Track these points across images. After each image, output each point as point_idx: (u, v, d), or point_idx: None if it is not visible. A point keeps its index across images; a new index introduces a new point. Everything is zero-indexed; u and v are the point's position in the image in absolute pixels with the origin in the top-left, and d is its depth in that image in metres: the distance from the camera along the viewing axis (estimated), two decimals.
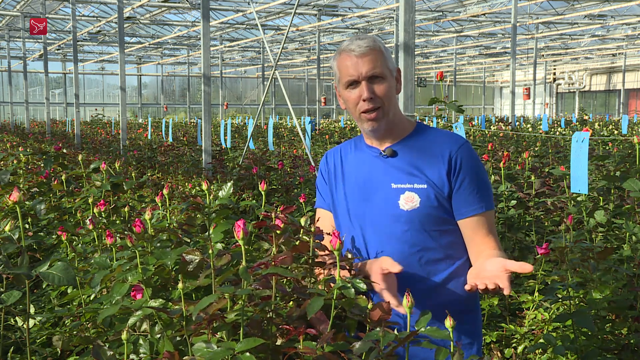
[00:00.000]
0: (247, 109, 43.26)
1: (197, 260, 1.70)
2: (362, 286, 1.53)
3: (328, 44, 30.00)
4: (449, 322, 1.38)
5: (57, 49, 31.08)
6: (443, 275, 1.78)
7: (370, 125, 1.80)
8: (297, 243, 1.72)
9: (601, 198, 4.02)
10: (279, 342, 1.45)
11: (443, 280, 1.78)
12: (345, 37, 27.93)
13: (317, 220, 1.98)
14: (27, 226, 3.23)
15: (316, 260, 1.69)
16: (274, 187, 5.62)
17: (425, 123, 1.93)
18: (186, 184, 6.59)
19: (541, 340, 2.49)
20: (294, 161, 7.92)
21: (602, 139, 9.07)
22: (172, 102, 43.05)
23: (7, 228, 2.12)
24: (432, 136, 1.84)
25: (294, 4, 7.68)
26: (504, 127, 15.52)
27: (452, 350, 1.33)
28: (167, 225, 2.44)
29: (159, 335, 1.66)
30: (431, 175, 1.77)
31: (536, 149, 8.68)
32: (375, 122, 1.79)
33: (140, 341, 1.68)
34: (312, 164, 6.54)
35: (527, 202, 4.43)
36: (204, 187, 2.36)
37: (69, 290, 2.52)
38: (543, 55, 35.31)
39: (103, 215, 2.85)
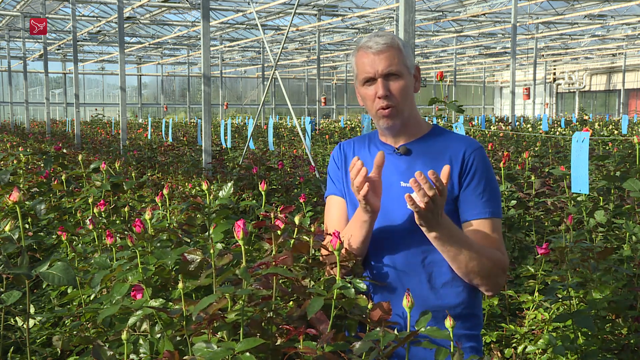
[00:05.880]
0: (247, 109, 43.25)
1: (198, 260, 1.70)
2: (362, 286, 1.53)
3: (328, 44, 29.97)
4: (449, 322, 1.38)
5: (57, 49, 31.07)
6: (446, 278, 1.76)
7: (385, 123, 1.79)
8: (292, 242, 1.71)
9: (601, 198, 4.02)
10: (279, 342, 1.45)
11: (445, 283, 1.77)
12: (345, 37, 27.93)
13: (328, 209, 1.94)
14: (27, 226, 3.23)
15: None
16: (274, 187, 5.62)
17: (441, 127, 1.91)
18: (186, 184, 6.59)
19: (541, 340, 2.49)
20: (294, 161, 7.91)
21: (602, 139, 9.06)
22: (172, 102, 43.03)
23: (7, 228, 2.12)
24: (447, 139, 1.83)
25: (294, 4, 7.68)
26: (504, 127, 15.51)
27: (452, 351, 1.33)
28: (167, 225, 2.44)
29: (159, 335, 1.66)
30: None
31: (536, 149, 8.68)
32: (390, 120, 1.78)
33: (140, 341, 1.68)
34: (312, 164, 6.54)
35: (527, 202, 4.43)
36: (204, 187, 2.36)
37: (69, 290, 2.52)
38: (543, 55, 35.30)
39: (103, 215, 2.85)
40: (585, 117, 24.57)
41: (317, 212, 4.24)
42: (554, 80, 42.32)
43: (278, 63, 8.48)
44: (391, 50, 1.76)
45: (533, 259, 3.93)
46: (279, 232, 1.71)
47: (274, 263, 1.52)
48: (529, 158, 5.52)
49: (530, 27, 26.36)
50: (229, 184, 2.52)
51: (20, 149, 6.28)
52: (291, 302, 1.62)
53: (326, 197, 1.98)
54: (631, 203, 3.49)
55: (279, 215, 1.82)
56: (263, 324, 1.47)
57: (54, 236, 3.18)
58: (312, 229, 1.71)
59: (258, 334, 1.43)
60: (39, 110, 36.06)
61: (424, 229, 1.64)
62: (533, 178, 4.69)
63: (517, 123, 20.76)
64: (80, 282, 2.30)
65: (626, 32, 26.35)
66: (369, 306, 1.51)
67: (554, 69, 42.70)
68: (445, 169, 1.58)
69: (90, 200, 3.13)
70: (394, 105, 1.77)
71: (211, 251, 1.56)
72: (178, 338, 1.62)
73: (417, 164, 1.79)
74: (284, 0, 17.60)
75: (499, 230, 1.79)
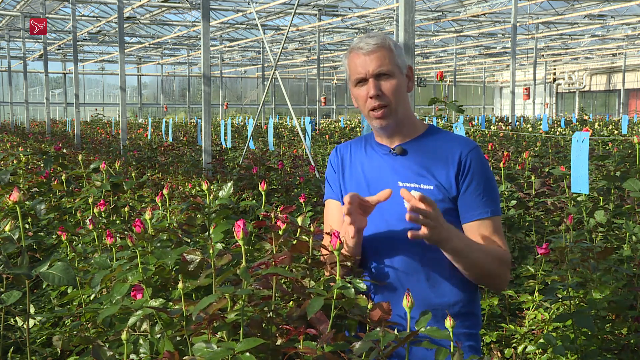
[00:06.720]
0: (247, 109, 43.24)
1: (197, 260, 1.70)
2: (362, 286, 1.53)
3: (328, 44, 29.97)
4: (449, 322, 1.38)
5: (57, 49, 31.07)
6: (444, 275, 1.77)
7: (378, 123, 1.80)
8: (294, 242, 1.71)
9: (601, 198, 4.02)
10: (279, 342, 1.45)
11: (444, 280, 1.77)
12: (345, 37, 27.93)
13: (326, 213, 1.95)
14: (27, 226, 3.23)
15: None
16: (274, 187, 5.62)
17: (437, 126, 1.93)
18: (186, 184, 6.59)
19: (541, 340, 2.49)
20: (294, 161, 7.91)
21: (602, 139, 9.07)
22: (172, 102, 43.03)
23: (7, 228, 2.12)
24: (443, 138, 1.84)
25: (294, 4, 7.68)
26: (504, 127, 15.51)
27: (452, 351, 1.33)
28: (167, 225, 2.44)
29: (159, 335, 1.66)
30: (439, 177, 1.77)
31: (536, 149, 8.68)
32: (382, 120, 1.79)
33: (140, 341, 1.68)
34: (312, 164, 6.54)
35: (527, 202, 4.43)
36: (204, 187, 2.36)
37: (69, 290, 2.52)
38: (543, 55, 35.29)
39: (103, 215, 2.85)
40: (585, 117, 24.57)
41: (317, 212, 4.24)
42: (554, 80, 42.31)
43: (278, 63, 8.49)
44: (382, 50, 1.77)
45: (533, 259, 3.93)
46: (280, 232, 1.71)
47: (273, 263, 1.52)
48: (529, 158, 5.52)
49: (530, 27, 26.36)
50: (229, 184, 2.52)
51: (20, 149, 6.28)
52: (291, 302, 1.62)
53: (324, 201, 1.99)
54: (631, 203, 3.49)
55: (280, 215, 1.82)
56: (263, 324, 1.47)
57: (54, 236, 3.18)
58: (312, 229, 1.71)
59: (258, 334, 1.43)
60: (39, 110, 36.05)
61: (440, 247, 1.67)
62: (533, 178, 4.69)
63: (517, 123, 20.76)
64: (80, 282, 2.30)
65: (626, 32, 26.35)
66: (369, 306, 1.51)
67: (554, 69, 42.69)
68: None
69: (90, 200, 3.13)
70: (386, 105, 1.77)
71: (210, 251, 1.56)
72: (178, 338, 1.62)
73: (413, 163, 1.80)
74: (284, 0, 17.61)
75: (500, 227, 1.81)
